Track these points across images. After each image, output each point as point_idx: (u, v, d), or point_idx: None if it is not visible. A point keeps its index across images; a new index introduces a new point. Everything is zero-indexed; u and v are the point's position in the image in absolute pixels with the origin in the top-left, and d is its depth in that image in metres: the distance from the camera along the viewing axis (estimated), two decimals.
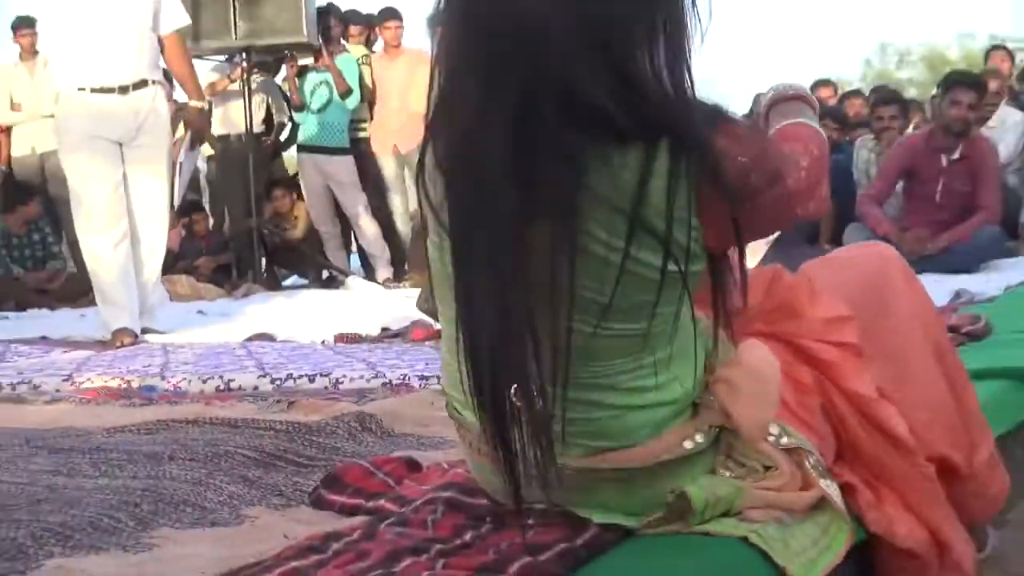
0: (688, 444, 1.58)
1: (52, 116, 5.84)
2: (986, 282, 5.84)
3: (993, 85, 8.63)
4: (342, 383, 3.63)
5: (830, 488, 1.65)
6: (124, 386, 3.77)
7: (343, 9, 9.70)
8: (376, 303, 6.90)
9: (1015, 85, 9.72)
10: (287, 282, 9.75)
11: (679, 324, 1.55)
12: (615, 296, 1.45)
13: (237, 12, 8.37)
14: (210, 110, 8.87)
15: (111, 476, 2.30)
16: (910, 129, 8.67)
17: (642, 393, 1.55)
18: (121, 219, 5.43)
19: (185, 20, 5.79)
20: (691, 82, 1.50)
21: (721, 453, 1.62)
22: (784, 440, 1.63)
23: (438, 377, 3.50)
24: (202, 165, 10.23)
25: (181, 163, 6.09)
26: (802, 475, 1.63)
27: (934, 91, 8.45)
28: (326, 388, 3.60)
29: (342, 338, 5.16)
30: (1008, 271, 6.46)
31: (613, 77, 1.44)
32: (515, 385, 1.44)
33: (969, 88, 6.98)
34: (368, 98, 9.47)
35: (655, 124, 1.44)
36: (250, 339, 5.31)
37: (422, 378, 3.55)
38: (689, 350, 1.60)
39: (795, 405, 1.71)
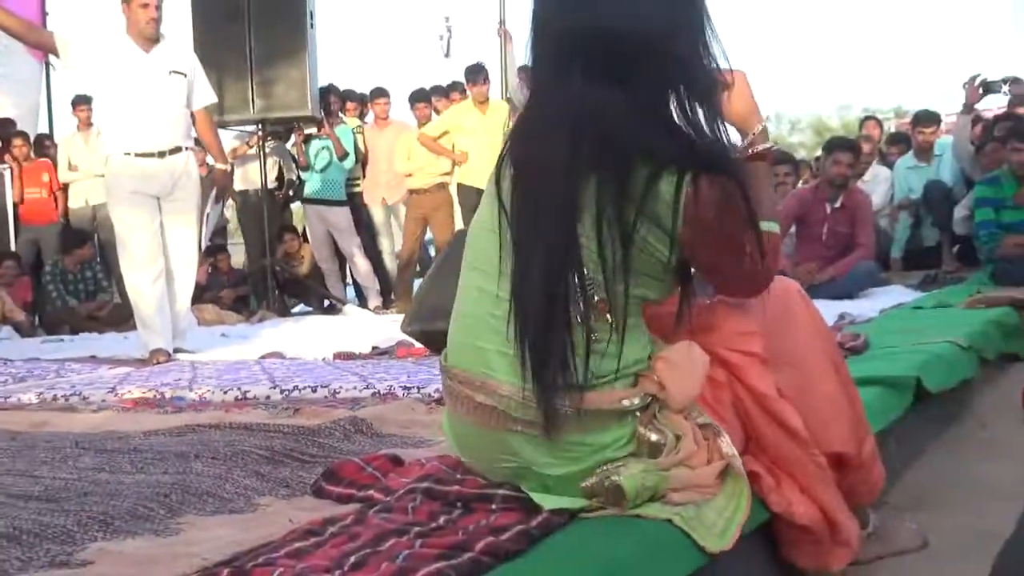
0: (625, 402, 1.64)
1: (103, 176, 5.79)
2: (864, 306, 5.86)
3: (866, 148, 8.74)
4: (339, 393, 3.59)
5: (734, 459, 1.67)
6: (159, 397, 3.72)
7: (342, 88, 9.75)
8: (368, 326, 6.88)
9: (883, 148, 9.82)
10: (295, 309, 9.71)
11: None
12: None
13: (254, 91, 8.38)
14: (232, 171, 8.93)
15: (146, 472, 2.27)
16: (800, 183, 8.74)
17: (604, 351, 1.62)
18: (158, 259, 5.41)
19: (212, 98, 5.83)
20: (716, 128, 1.63)
21: (646, 418, 1.65)
22: (699, 419, 1.68)
23: (418, 388, 3.50)
24: (229, 214, 10.30)
25: (208, 214, 6.09)
26: (709, 447, 1.66)
27: (819, 153, 8.52)
28: (326, 397, 3.56)
29: (340, 356, 5.12)
30: (882, 297, 6.50)
31: (647, 123, 1.60)
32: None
33: (847, 150, 7.03)
34: (361, 160, 9.53)
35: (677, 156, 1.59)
36: (264, 357, 5.27)
37: (405, 388, 3.52)
38: (640, 331, 1.70)
39: (711, 399, 1.73)
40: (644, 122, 1.60)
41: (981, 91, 7.96)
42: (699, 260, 1.68)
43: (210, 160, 6.12)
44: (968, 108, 7.93)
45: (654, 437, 1.64)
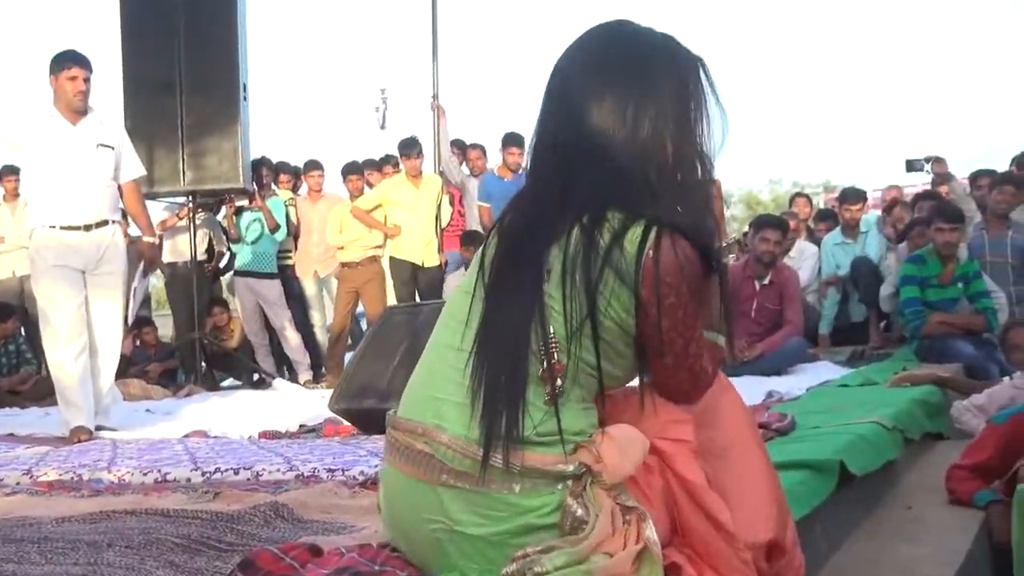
0: (560, 466, 1.64)
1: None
2: (792, 383, 5.92)
3: (793, 224, 8.88)
4: (261, 475, 3.52)
5: (653, 545, 1.64)
6: (76, 479, 3.62)
7: (275, 160, 9.75)
8: (297, 402, 6.82)
9: (811, 224, 9.99)
10: (224, 384, 9.58)
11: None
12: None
13: (185, 162, 8.33)
14: (161, 242, 8.84)
15: (56, 563, 2.19)
16: (732, 259, 8.84)
17: (552, 413, 1.65)
18: (82, 334, 5.32)
19: (141, 171, 5.79)
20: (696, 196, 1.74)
21: (576, 489, 1.65)
22: (627, 501, 1.66)
23: (343, 470, 3.45)
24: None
25: (135, 287, 6.02)
26: (628, 532, 1.63)
27: (746, 229, 8.64)
28: (248, 480, 3.48)
29: (265, 434, 5.06)
30: (810, 373, 6.56)
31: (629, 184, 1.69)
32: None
33: (775, 228, 7.14)
34: (293, 232, 9.51)
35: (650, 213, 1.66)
36: (187, 435, 5.18)
37: (329, 471, 3.46)
38: (589, 402, 1.73)
39: (643, 483, 1.72)
40: (626, 183, 1.68)
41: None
42: (649, 334, 1.68)
43: (138, 233, 6.06)
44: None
45: (579, 512, 1.63)
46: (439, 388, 1.73)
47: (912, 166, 8.95)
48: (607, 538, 1.61)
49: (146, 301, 10.10)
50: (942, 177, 8.51)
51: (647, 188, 1.68)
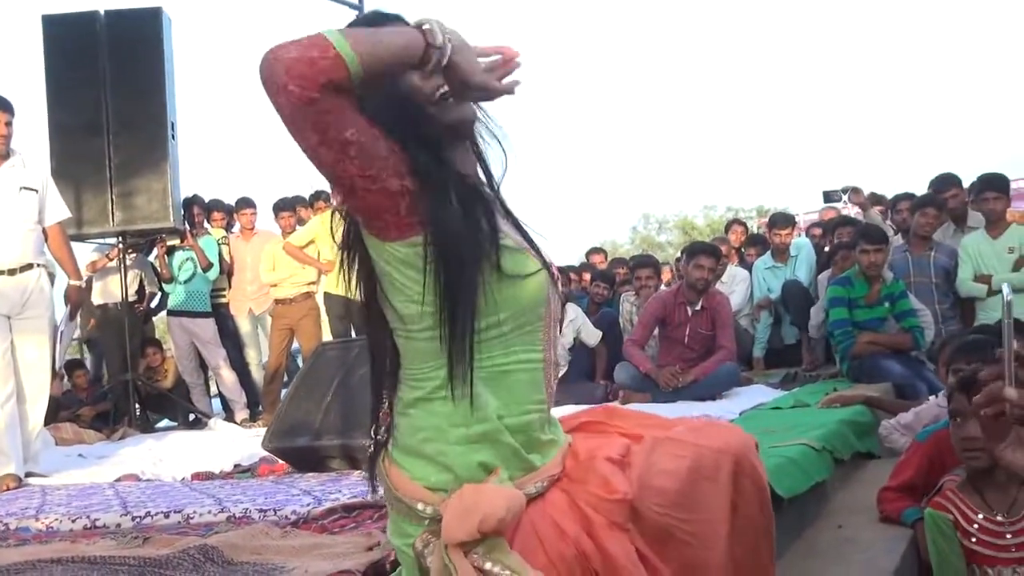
0: (420, 506, 1.67)
1: None
2: (726, 407, 5.96)
3: (724, 249, 8.99)
4: (192, 518, 3.47)
5: None
6: (2, 528, 3.55)
7: (208, 198, 9.66)
8: (233, 441, 6.74)
9: (742, 249, 10.10)
10: (160, 425, 9.45)
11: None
12: None
13: (114, 203, 8.23)
14: (90, 284, 8.73)
15: None
16: (663, 286, 8.92)
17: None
18: (8, 381, 5.22)
19: (65, 213, 5.71)
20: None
21: (426, 535, 1.65)
22: (488, 565, 1.59)
23: (275, 510, 3.41)
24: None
25: (62, 331, 5.92)
26: None
27: (678, 255, 8.71)
28: (179, 523, 3.44)
29: (198, 476, 4.99)
30: (743, 397, 6.60)
31: None
32: None
33: (708, 255, 7.18)
34: (227, 270, 9.44)
35: None
36: (119, 479, 5.09)
37: (261, 511, 3.43)
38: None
39: (550, 550, 1.67)
40: None
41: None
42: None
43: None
44: None
45: (428, 560, 1.64)
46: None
47: (829, 197, 9.10)
48: None
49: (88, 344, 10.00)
50: (860, 206, 8.65)
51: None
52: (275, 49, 1.49)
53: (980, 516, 3.02)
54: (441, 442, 1.67)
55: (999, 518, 3.00)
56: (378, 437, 1.74)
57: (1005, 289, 1.70)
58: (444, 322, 1.63)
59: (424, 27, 1.60)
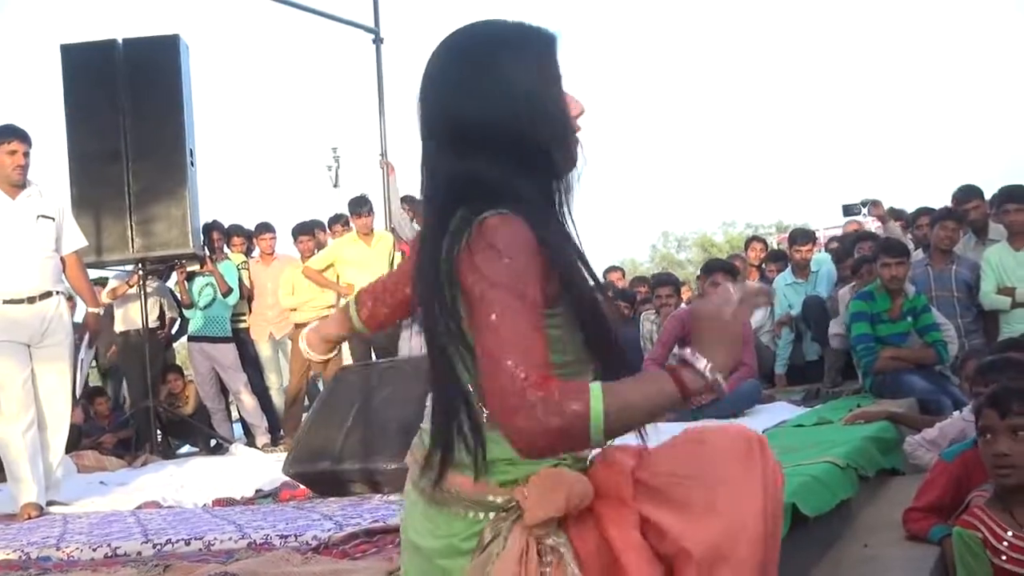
0: (491, 497, 1.67)
1: None
2: (750, 425, 5.84)
3: (743, 266, 8.98)
4: (213, 545, 3.46)
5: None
6: (23, 558, 3.54)
7: (228, 223, 9.72)
8: (255, 466, 6.74)
9: (762, 265, 10.07)
10: (181, 451, 9.46)
11: None
12: None
13: (133, 230, 8.25)
14: (111, 312, 8.76)
15: None
16: (683, 304, 8.88)
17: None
18: (29, 409, 5.22)
19: (82, 242, 5.74)
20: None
21: (495, 522, 1.66)
22: (550, 540, 1.63)
23: (296, 535, 3.40)
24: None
25: (81, 359, 5.94)
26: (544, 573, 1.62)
27: (698, 273, 8.70)
28: (200, 550, 3.42)
29: (219, 502, 4.98)
30: (766, 414, 6.57)
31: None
32: None
33: (724, 272, 7.16)
34: (247, 295, 9.46)
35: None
36: (140, 507, 5.09)
37: (282, 537, 3.41)
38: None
39: (573, 535, 1.67)
40: (475, 178, 1.64)
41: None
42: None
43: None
44: None
45: (489, 543, 1.65)
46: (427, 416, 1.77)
47: (849, 210, 9.08)
48: (511, 574, 1.61)
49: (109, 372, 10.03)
50: (879, 219, 8.63)
51: (496, 176, 1.64)
52: (537, 408, 1.48)
53: (1010, 533, 2.98)
54: (514, 463, 1.67)
55: None
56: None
57: None
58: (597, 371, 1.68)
59: (684, 378, 1.59)
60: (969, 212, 7.68)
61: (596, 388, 1.51)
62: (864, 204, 8.71)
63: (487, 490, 1.67)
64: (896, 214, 9.25)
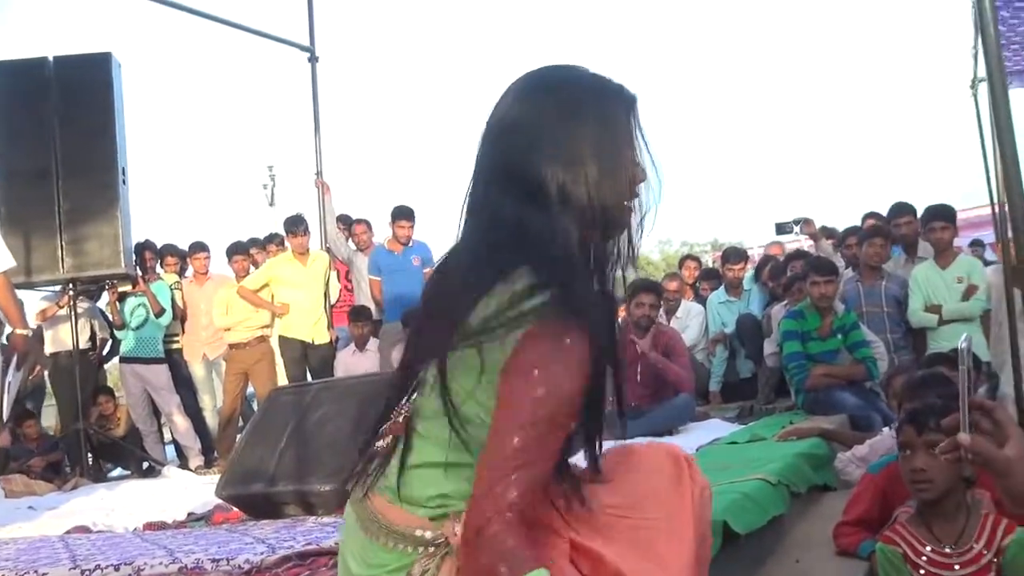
0: (418, 531, 1.64)
1: None
2: (682, 442, 5.91)
3: (673, 286, 9.08)
4: (143, 570, 3.39)
5: None
6: None
7: (161, 243, 9.62)
8: (187, 489, 6.65)
9: (698, 284, 10.16)
10: (113, 474, 9.32)
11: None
12: None
13: (64, 249, 8.14)
14: (41, 333, 8.61)
15: None
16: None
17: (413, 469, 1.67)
18: None
19: (10, 263, 5.61)
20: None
21: (425, 560, 1.64)
22: None
23: (228, 559, 3.36)
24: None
25: (8, 382, 5.83)
26: None
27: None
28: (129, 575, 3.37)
29: (150, 526, 4.90)
30: (700, 431, 6.59)
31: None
32: None
33: (649, 292, 7.15)
34: (180, 316, 9.36)
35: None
36: (68, 532, 4.99)
37: (213, 561, 3.36)
38: (466, 474, 1.63)
39: (544, 541, 1.69)
40: (546, 239, 1.62)
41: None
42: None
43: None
44: None
45: None
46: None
47: (782, 228, 9.20)
48: None
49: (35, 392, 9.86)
50: (812, 237, 8.77)
51: (557, 230, 1.62)
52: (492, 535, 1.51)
53: (928, 548, 3.03)
54: (447, 499, 1.66)
55: (947, 550, 3.01)
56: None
57: (962, 340, 1.72)
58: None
59: None
60: (901, 227, 7.83)
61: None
62: (797, 223, 8.84)
63: (416, 523, 1.65)
64: (828, 232, 9.38)
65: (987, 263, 8.14)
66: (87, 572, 3.45)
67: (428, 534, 1.64)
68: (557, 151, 1.65)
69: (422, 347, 1.71)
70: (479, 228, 1.70)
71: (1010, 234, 3.96)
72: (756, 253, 14.54)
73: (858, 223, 8.94)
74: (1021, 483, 1.58)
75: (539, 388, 1.51)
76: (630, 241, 1.74)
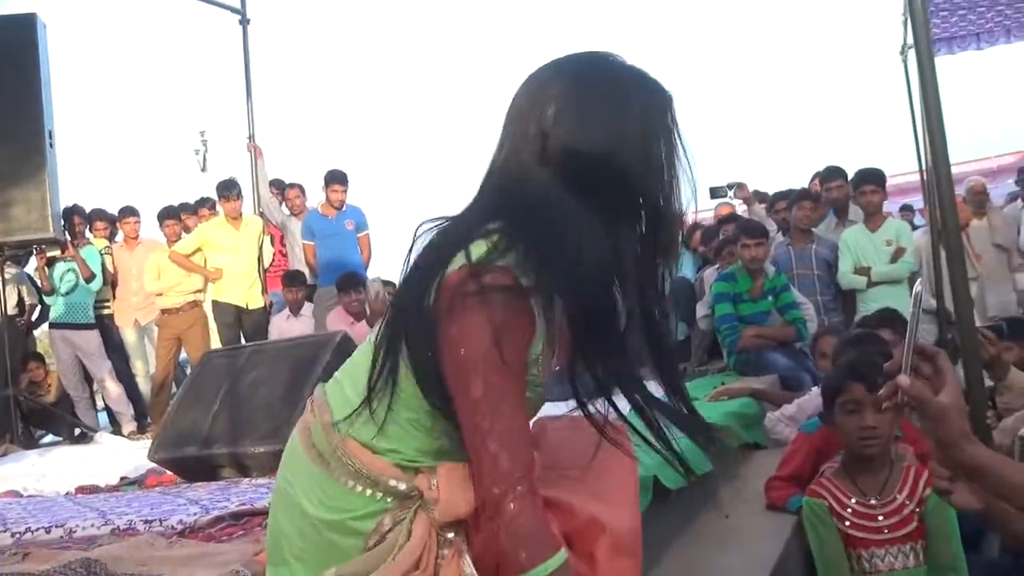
0: (392, 481, 1.64)
1: None
2: (619, 403, 5.98)
3: None
4: (75, 532, 3.37)
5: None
6: None
7: (90, 208, 9.48)
8: (120, 454, 6.57)
9: None
10: (44, 440, 9.18)
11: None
12: None
13: None
14: None
15: None
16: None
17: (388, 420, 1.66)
18: None
19: None
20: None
21: (397, 511, 1.64)
22: (449, 533, 1.64)
23: (161, 520, 3.35)
24: None
25: None
26: (449, 566, 1.63)
27: None
28: (61, 538, 3.33)
29: (82, 489, 4.87)
30: None
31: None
32: None
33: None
34: (110, 281, 9.26)
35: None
36: None
37: (146, 522, 3.35)
38: (439, 430, 1.66)
39: None
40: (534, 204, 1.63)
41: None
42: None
43: None
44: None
45: (389, 533, 1.63)
46: (347, 374, 1.78)
47: (715, 193, 9.28)
48: (410, 568, 1.60)
49: None
50: (745, 201, 8.86)
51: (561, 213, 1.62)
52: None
53: (853, 500, 3.11)
54: (425, 454, 1.68)
55: (872, 501, 3.09)
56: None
57: (917, 284, 1.79)
58: None
59: None
60: (832, 191, 7.93)
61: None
62: (730, 187, 8.93)
63: (390, 472, 1.65)
64: (760, 196, 9.48)
65: (915, 228, 8.28)
66: (17, 535, 3.43)
67: (402, 486, 1.64)
68: (612, 138, 1.65)
69: (404, 302, 1.68)
70: (493, 189, 1.71)
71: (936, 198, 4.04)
72: (690, 218, 14.65)
73: (786, 188, 9.02)
74: (951, 431, 1.62)
75: (460, 347, 1.55)
76: (670, 235, 1.77)
